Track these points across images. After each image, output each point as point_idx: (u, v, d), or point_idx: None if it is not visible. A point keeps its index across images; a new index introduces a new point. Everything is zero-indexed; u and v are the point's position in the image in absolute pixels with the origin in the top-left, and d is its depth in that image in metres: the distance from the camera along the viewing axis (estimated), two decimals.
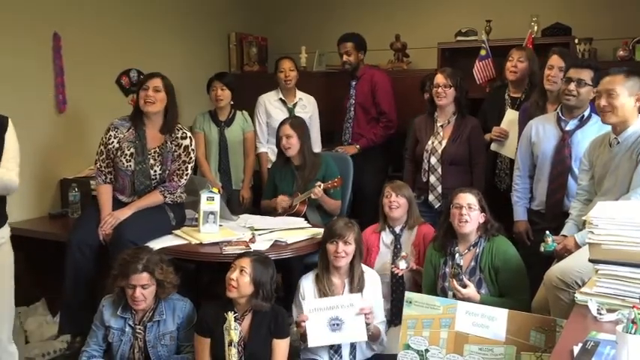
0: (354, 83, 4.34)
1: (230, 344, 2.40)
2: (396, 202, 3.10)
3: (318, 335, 2.66)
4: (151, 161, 3.17)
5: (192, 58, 4.89)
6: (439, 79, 3.49)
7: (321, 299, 2.75)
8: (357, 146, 4.24)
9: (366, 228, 3.19)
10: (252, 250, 2.85)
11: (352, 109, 4.33)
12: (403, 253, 3.00)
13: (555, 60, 3.24)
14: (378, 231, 3.19)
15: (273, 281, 2.65)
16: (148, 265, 2.63)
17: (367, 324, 2.67)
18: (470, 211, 2.76)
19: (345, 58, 4.28)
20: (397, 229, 3.16)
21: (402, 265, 2.93)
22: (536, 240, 3.10)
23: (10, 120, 2.65)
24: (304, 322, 2.65)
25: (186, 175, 3.24)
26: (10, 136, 2.63)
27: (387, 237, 3.17)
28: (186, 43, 4.86)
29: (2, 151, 2.59)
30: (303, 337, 2.70)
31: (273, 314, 2.62)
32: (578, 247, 2.57)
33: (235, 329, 2.40)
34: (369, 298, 2.76)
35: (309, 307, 2.68)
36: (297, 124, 3.63)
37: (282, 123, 3.69)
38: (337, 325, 2.66)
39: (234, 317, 2.44)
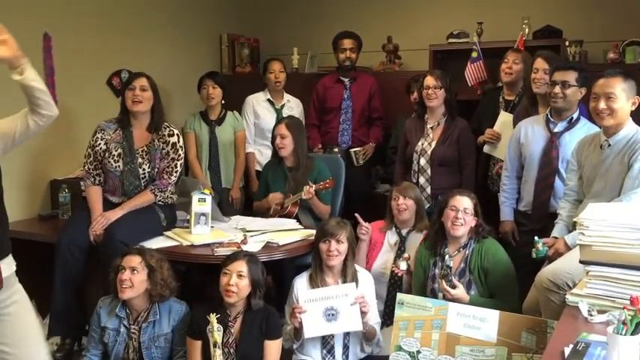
0: (348, 84, 4.34)
1: (215, 345, 2.40)
2: (404, 204, 3.11)
3: (313, 326, 2.66)
4: (139, 160, 3.17)
5: (184, 59, 4.87)
6: (429, 80, 3.51)
7: (316, 290, 2.75)
8: (373, 145, 4.28)
9: (373, 222, 3.22)
10: (240, 250, 2.85)
11: (350, 111, 4.32)
12: (406, 255, 3.01)
13: (540, 63, 3.25)
14: (384, 230, 3.20)
15: (264, 276, 2.67)
16: (143, 251, 2.68)
17: (363, 313, 2.67)
18: (465, 215, 2.78)
19: (348, 54, 4.29)
20: (404, 232, 3.16)
21: (403, 266, 2.94)
22: (521, 241, 3.13)
23: None
24: (300, 313, 2.64)
25: (176, 172, 3.24)
26: None
27: (392, 237, 3.18)
28: (178, 44, 4.85)
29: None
30: (297, 332, 2.70)
31: (264, 315, 2.62)
32: (568, 248, 2.58)
33: (219, 330, 2.40)
34: None
35: (304, 298, 2.68)
36: (293, 124, 3.62)
37: (278, 122, 3.70)
38: (332, 315, 2.66)
39: (220, 318, 2.44)
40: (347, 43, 4.30)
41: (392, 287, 3.04)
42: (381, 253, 3.15)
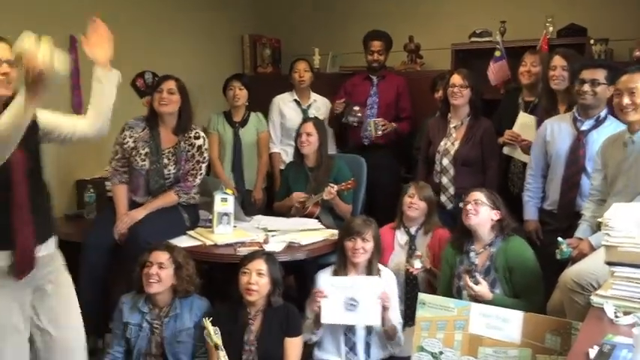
0: (376, 81, 4.35)
1: (217, 348, 2.41)
2: (416, 204, 3.11)
3: (332, 313, 2.67)
4: (165, 161, 3.20)
5: (206, 59, 4.92)
6: (455, 79, 3.48)
7: (340, 277, 2.76)
8: (395, 125, 4.24)
9: (383, 226, 3.19)
10: (258, 249, 2.86)
11: (375, 106, 4.32)
12: (418, 253, 3.01)
13: (558, 60, 3.23)
14: (393, 228, 3.20)
15: (282, 273, 2.69)
16: (171, 247, 2.73)
17: (385, 309, 2.67)
18: (477, 205, 2.76)
19: (375, 57, 4.30)
20: (412, 230, 3.16)
21: (417, 264, 2.93)
22: (545, 240, 3.09)
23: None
24: (320, 298, 2.65)
25: (201, 174, 3.28)
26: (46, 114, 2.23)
27: (401, 237, 3.17)
28: (200, 45, 4.89)
29: (53, 127, 2.26)
30: (317, 318, 2.70)
31: (284, 313, 2.64)
32: (592, 249, 2.55)
33: (216, 333, 2.42)
34: None
35: (328, 283, 2.69)
36: (320, 124, 3.68)
37: (305, 120, 3.73)
38: (353, 305, 2.66)
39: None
40: (375, 45, 4.30)
41: (409, 287, 3.03)
42: (393, 255, 3.14)
